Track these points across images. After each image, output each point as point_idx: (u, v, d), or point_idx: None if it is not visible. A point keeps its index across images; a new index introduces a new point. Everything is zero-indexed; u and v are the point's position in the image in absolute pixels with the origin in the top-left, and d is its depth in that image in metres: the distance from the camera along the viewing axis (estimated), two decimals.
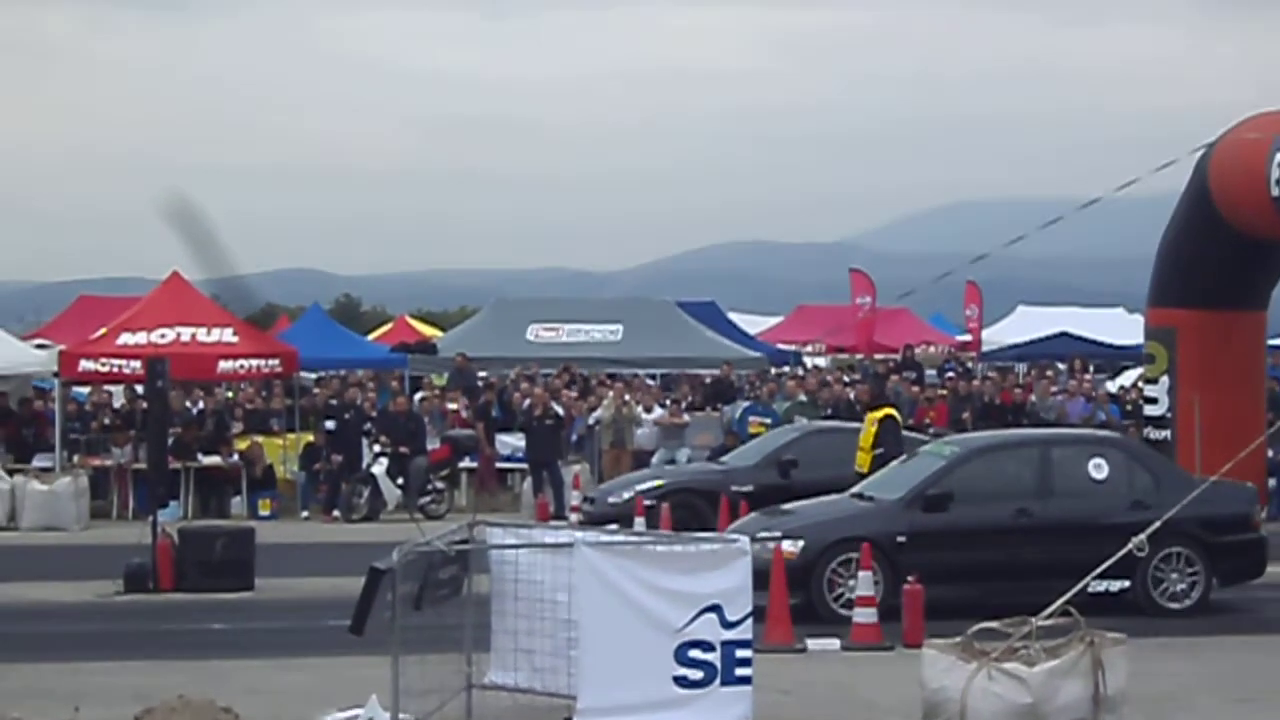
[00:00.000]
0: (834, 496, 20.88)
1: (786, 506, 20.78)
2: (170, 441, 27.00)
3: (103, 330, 32.86)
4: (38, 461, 31.73)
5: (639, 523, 24.69)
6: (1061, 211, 29.68)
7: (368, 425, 32.51)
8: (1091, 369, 45.68)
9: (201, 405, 34.47)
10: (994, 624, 12.64)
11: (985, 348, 52.72)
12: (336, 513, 31.10)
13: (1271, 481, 29.11)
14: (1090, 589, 15.44)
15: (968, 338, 55.16)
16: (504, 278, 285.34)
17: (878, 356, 49.24)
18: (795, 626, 17.36)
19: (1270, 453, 27.71)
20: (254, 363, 32.25)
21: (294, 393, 34.47)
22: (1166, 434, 27.63)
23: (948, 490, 19.74)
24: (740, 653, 12.97)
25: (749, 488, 25.49)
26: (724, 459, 28.43)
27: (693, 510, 25.57)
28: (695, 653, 12.89)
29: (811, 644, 17.29)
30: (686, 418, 33.26)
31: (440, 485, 31.75)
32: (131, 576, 21.77)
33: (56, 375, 32.12)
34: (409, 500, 30.46)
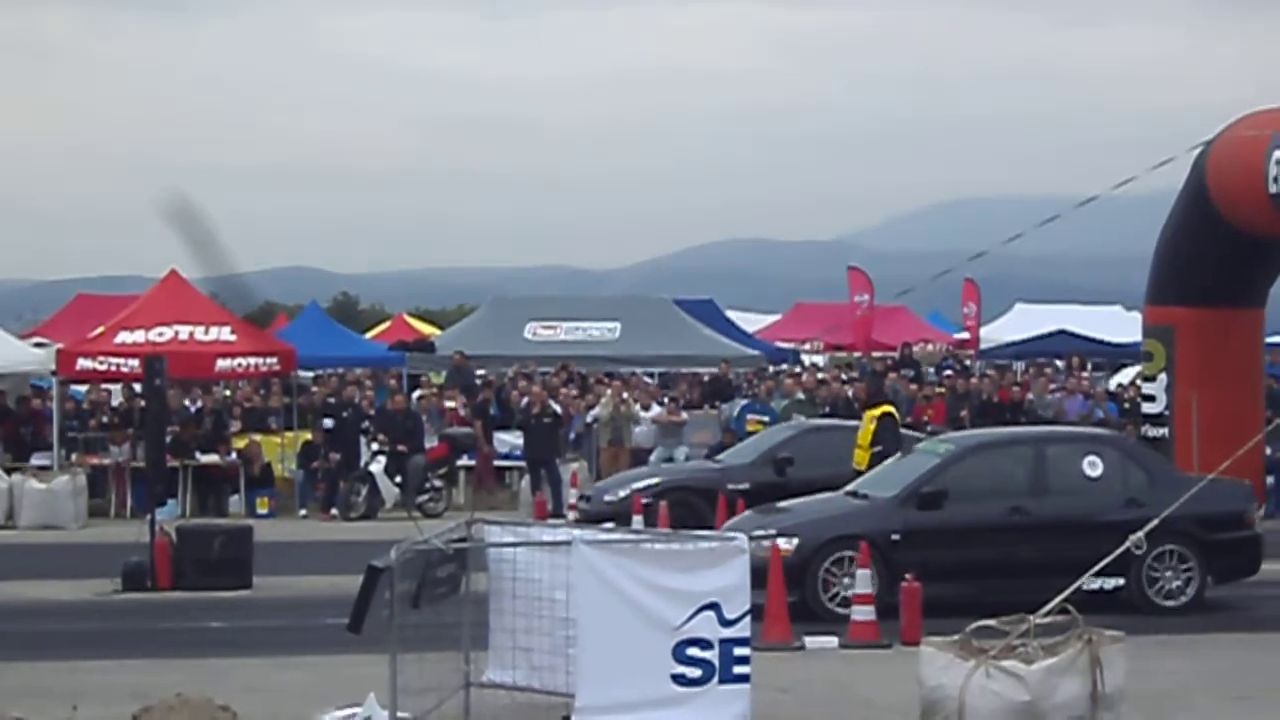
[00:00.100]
0: (829, 494, 20.88)
1: (781, 504, 20.79)
2: (168, 440, 27.02)
3: (100, 329, 32.85)
4: (36, 460, 31.74)
5: (637, 521, 24.68)
6: (1060, 209, 29.66)
7: (366, 423, 32.52)
8: (1089, 367, 45.67)
9: (200, 403, 34.46)
10: (992, 622, 12.64)
11: (983, 345, 52.70)
12: (334, 511, 31.11)
13: (1269, 479, 29.14)
14: (1085, 587, 15.46)
15: (966, 336, 55.16)
16: (502, 276, 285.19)
17: (876, 354, 49.25)
18: (792, 625, 17.36)
19: (1268, 450, 27.73)
20: (252, 361, 32.26)
21: (292, 391, 34.48)
22: (1164, 432, 27.62)
23: (942, 488, 19.75)
24: (738, 651, 12.96)
25: (745, 486, 25.47)
26: (720, 457, 28.43)
27: (689, 508, 25.54)
28: (693, 651, 12.89)
29: (810, 642, 17.30)
30: (684, 416, 33.28)
31: (438, 483, 31.76)
32: (129, 575, 21.78)
33: (54, 374, 32.13)
34: (407, 498, 30.46)
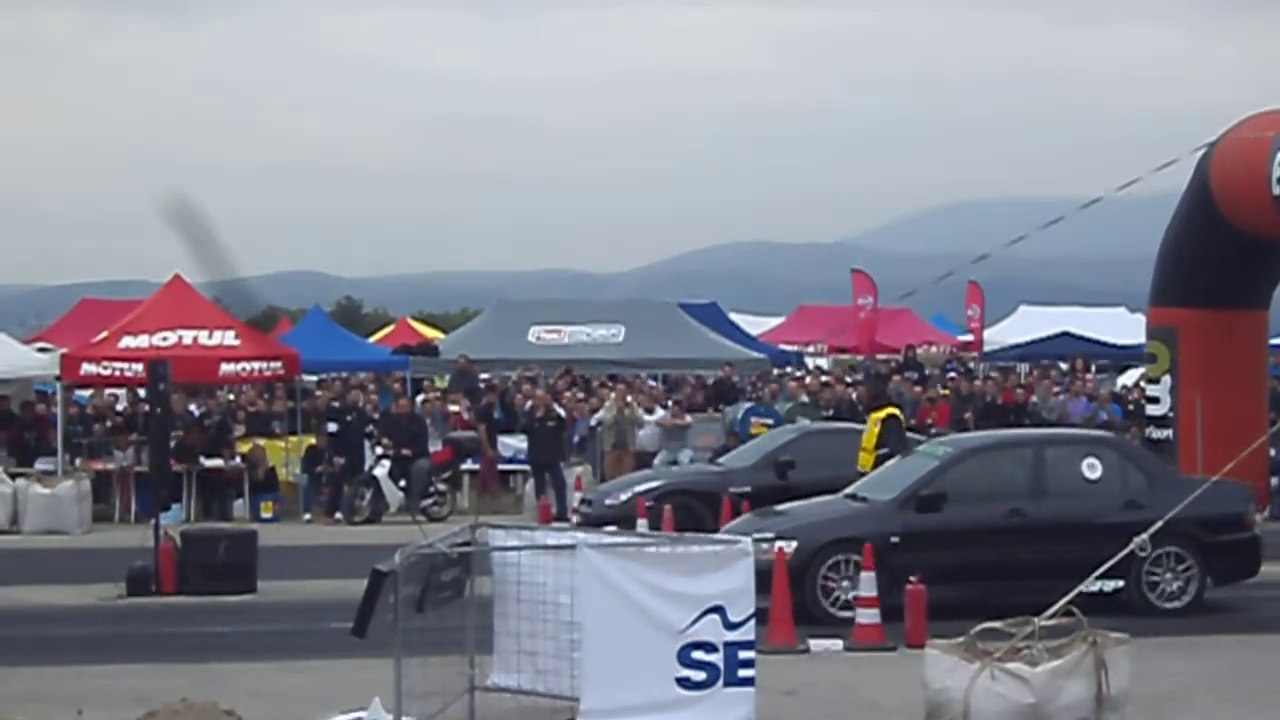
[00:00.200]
0: (828, 497, 20.84)
1: (780, 507, 20.75)
2: (172, 444, 27.01)
3: (104, 333, 32.86)
4: (40, 465, 31.74)
5: (641, 524, 24.67)
6: (1063, 211, 29.68)
7: (370, 427, 32.52)
8: (1094, 369, 45.68)
9: (204, 408, 34.47)
10: (996, 624, 12.64)
11: (987, 348, 52.73)
12: (339, 515, 31.11)
13: (1274, 480, 29.11)
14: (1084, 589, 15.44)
15: (969, 338, 55.15)
16: (505, 279, 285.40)
17: (880, 357, 49.24)
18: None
19: (1272, 452, 27.67)
20: (256, 365, 32.27)
21: (296, 395, 34.50)
22: (1168, 433, 27.62)
23: (941, 491, 19.72)
24: (743, 654, 12.96)
25: (746, 489, 25.46)
26: (721, 460, 28.42)
27: (690, 511, 25.49)
28: (698, 654, 12.89)
29: (814, 645, 17.29)
30: (688, 419, 33.25)
31: (442, 487, 31.76)
32: (134, 579, 21.78)
33: (58, 379, 32.12)
34: (411, 502, 30.47)
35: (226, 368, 31.97)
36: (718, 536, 17.01)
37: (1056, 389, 36.87)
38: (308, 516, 31.80)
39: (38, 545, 28.14)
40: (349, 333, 49.29)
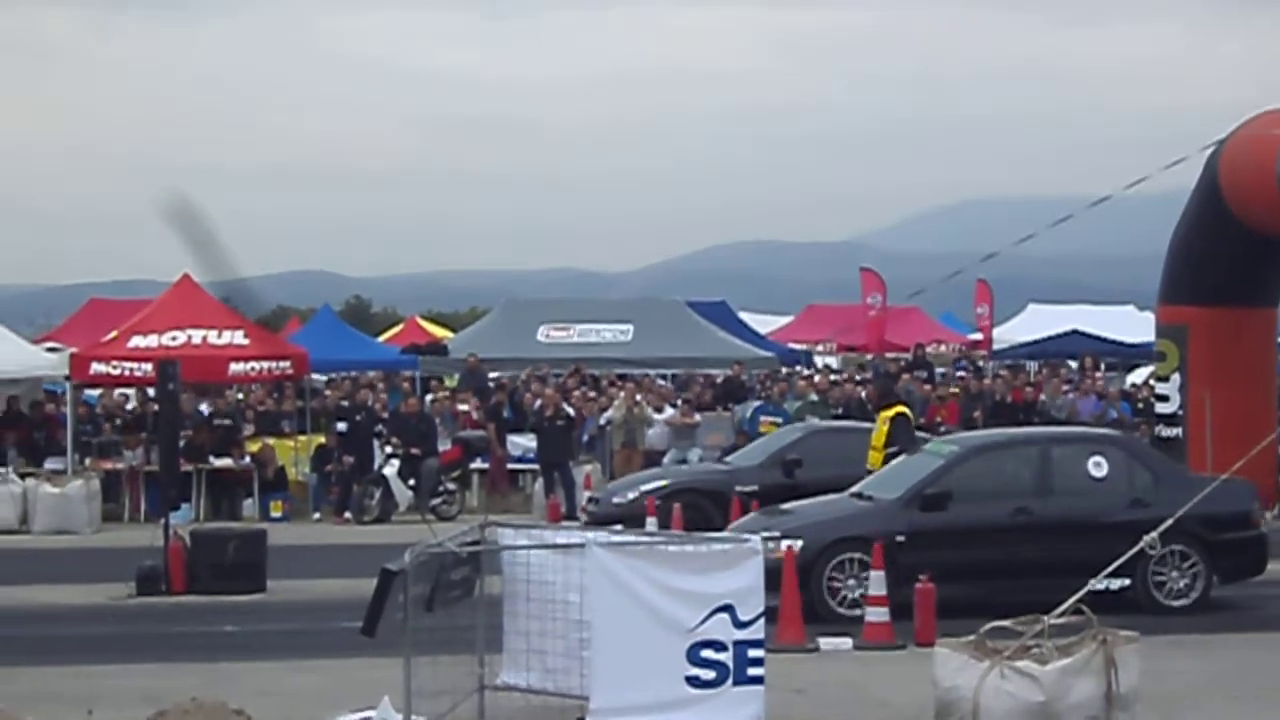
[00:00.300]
0: (833, 496, 20.81)
1: (786, 506, 20.73)
2: (182, 444, 27.05)
3: (114, 333, 32.93)
4: (49, 464, 31.76)
5: (651, 523, 24.67)
6: (1070, 210, 29.65)
7: (379, 427, 32.52)
8: (1103, 367, 45.61)
9: (213, 407, 34.50)
10: (1006, 623, 12.64)
11: (996, 346, 52.67)
12: (348, 514, 31.13)
13: None
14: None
15: (979, 336, 55.12)
16: (512, 278, 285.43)
17: (889, 355, 49.22)
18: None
19: None
20: (265, 365, 32.32)
21: (305, 394, 34.53)
22: (1178, 431, 27.61)
23: (946, 489, 19.70)
24: (752, 652, 12.95)
25: (753, 487, 25.45)
26: (728, 459, 28.42)
27: (698, 510, 25.49)
28: (707, 653, 12.89)
29: (824, 643, 17.29)
30: (698, 418, 33.25)
31: (452, 486, 31.77)
32: (143, 579, 21.80)
33: (68, 378, 32.19)
34: (420, 502, 30.47)
35: (236, 367, 32.02)
36: (727, 535, 17.00)
37: (1066, 387, 36.79)
38: (317, 516, 31.82)
39: (47, 545, 28.17)
40: (358, 332, 49.37)
